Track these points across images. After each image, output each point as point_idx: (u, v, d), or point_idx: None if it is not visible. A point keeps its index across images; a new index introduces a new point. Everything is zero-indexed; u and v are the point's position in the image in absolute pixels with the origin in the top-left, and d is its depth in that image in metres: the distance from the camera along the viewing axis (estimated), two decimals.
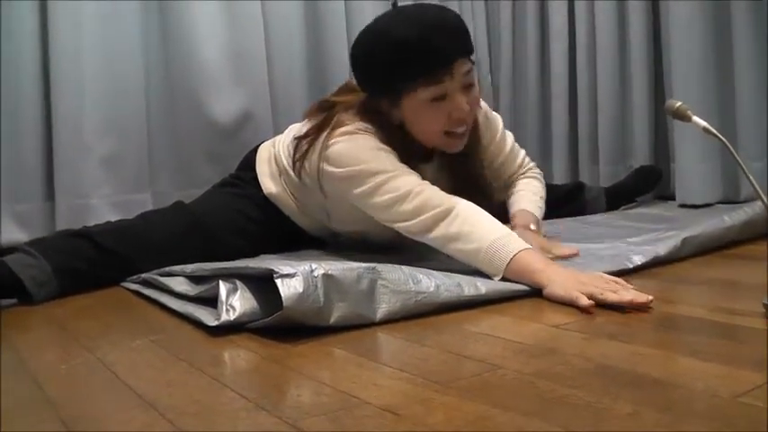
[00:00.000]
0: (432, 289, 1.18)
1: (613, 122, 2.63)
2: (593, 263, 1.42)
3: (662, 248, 1.49)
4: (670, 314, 1.11)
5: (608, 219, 2.16)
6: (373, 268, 1.14)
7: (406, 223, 1.41)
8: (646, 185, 2.46)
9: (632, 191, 2.45)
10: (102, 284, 1.59)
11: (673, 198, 2.41)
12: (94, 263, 1.58)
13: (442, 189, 1.45)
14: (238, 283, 1.15)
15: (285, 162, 1.70)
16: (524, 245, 1.29)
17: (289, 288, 1.03)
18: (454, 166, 1.61)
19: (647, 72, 2.54)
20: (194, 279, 1.36)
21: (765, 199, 1.03)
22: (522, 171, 1.84)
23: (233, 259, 1.71)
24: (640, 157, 2.53)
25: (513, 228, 1.57)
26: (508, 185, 1.82)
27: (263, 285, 1.13)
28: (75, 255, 1.56)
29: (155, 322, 1.30)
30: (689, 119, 1.12)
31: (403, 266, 1.20)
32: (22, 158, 2.12)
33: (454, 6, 2.94)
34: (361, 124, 1.52)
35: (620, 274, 1.37)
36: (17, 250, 1.55)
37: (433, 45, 1.40)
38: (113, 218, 2.13)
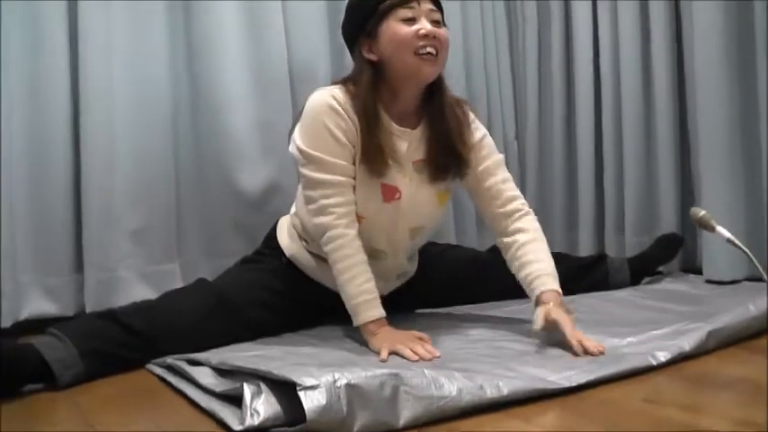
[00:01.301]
0: (454, 393, 1.18)
1: (639, 193, 2.62)
2: (616, 359, 1.41)
3: (687, 343, 1.48)
4: (695, 427, 1.10)
5: (633, 296, 2.13)
6: (396, 374, 1.15)
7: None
8: (667, 254, 2.45)
9: (655, 260, 2.44)
10: (128, 366, 1.61)
11: (700, 271, 2.39)
12: (121, 344, 1.60)
13: (423, 153, 1.76)
14: (262, 385, 1.17)
15: (301, 216, 1.82)
16: (371, 318, 1.62)
17: (312, 401, 1.04)
18: (434, 130, 1.76)
19: (673, 142, 2.54)
20: (219, 371, 1.37)
21: None
22: (511, 208, 1.79)
23: (258, 334, 1.78)
24: (666, 228, 2.52)
25: (545, 305, 1.61)
26: (503, 228, 1.79)
27: (288, 387, 1.14)
28: (102, 337, 1.59)
29: (179, 418, 1.31)
30: (712, 229, 1.13)
31: (426, 370, 1.21)
32: (52, 232, 2.15)
33: (480, 70, 2.98)
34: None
35: (645, 371, 1.39)
36: (44, 334, 1.57)
37: None
38: (142, 289, 2.18)
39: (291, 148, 1.72)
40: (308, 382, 1.06)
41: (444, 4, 2.82)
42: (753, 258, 1.08)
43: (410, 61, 1.66)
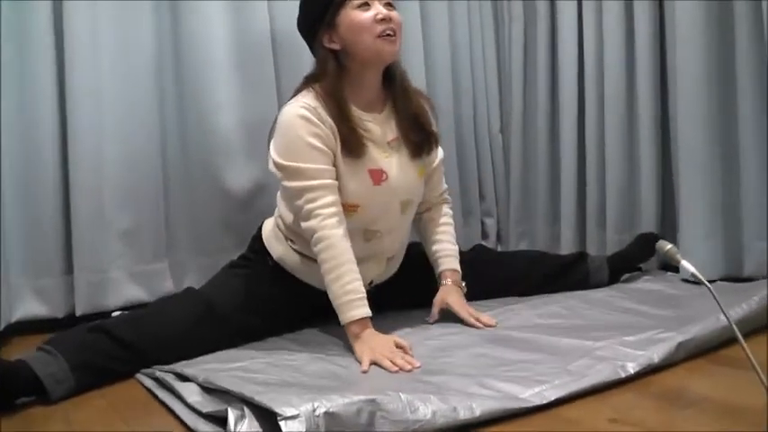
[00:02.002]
0: (428, 416, 1.24)
1: (621, 191, 2.65)
2: (585, 371, 1.47)
3: (656, 354, 1.53)
4: None
5: (610, 296, 2.18)
6: (373, 400, 1.21)
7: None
8: (645, 253, 2.49)
9: (634, 258, 2.49)
10: (119, 378, 1.65)
11: (677, 269, 2.44)
12: (112, 358, 1.65)
13: (394, 131, 1.90)
14: (246, 409, 1.22)
15: (285, 217, 1.90)
16: (355, 317, 1.69)
17: (292, 431, 1.09)
18: (401, 111, 1.92)
19: (654, 140, 2.57)
20: (206, 389, 1.42)
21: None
22: (443, 198, 2.14)
23: (247, 339, 1.85)
24: (647, 226, 2.57)
25: (444, 283, 2.01)
26: (427, 207, 2.11)
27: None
28: (93, 350, 1.63)
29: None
30: (677, 262, 1.18)
31: (401, 394, 1.26)
32: (42, 234, 2.18)
33: (466, 65, 3.02)
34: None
35: (614, 384, 1.45)
36: (36, 349, 1.61)
37: None
38: (132, 289, 2.23)
39: (270, 167, 1.81)
40: (289, 412, 1.12)
41: (431, 3, 2.88)
42: (714, 294, 1.13)
43: (371, 44, 1.80)
